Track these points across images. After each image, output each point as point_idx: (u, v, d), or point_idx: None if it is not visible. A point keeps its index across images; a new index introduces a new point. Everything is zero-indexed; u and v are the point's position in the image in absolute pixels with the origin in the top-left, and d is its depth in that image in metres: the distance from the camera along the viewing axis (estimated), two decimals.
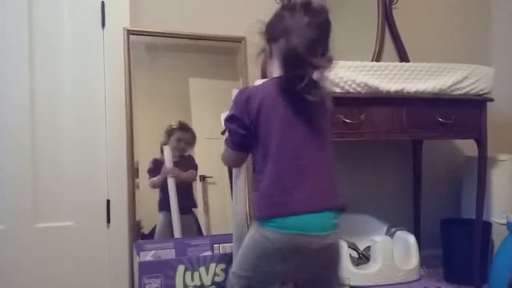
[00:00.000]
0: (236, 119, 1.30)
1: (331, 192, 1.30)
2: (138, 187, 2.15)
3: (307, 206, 1.23)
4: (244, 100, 1.28)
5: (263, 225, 1.25)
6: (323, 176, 1.28)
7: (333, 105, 1.34)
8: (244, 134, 1.30)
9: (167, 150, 2.19)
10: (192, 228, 2.21)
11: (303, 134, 1.27)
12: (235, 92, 1.39)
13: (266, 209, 1.26)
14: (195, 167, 2.27)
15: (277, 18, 1.32)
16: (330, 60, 1.28)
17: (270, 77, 1.39)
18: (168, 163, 2.18)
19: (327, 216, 1.26)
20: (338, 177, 1.32)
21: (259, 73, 2.26)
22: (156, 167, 2.20)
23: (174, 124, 2.26)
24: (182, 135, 2.24)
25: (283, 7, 1.35)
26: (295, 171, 1.24)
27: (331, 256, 1.30)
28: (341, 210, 1.32)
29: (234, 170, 1.69)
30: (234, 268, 1.36)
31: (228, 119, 1.33)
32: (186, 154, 2.27)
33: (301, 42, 1.22)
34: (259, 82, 1.52)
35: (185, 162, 2.25)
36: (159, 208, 2.21)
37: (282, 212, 1.22)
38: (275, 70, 1.33)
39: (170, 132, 2.23)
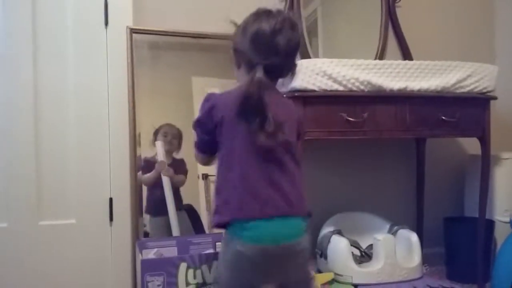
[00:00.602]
0: (200, 123, 1.36)
1: (298, 200, 1.30)
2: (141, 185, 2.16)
3: (273, 212, 1.25)
4: (208, 108, 1.32)
5: (233, 236, 1.27)
6: (288, 184, 1.28)
7: (301, 115, 1.47)
8: (208, 139, 1.35)
9: (159, 145, 2.20)
10: (184, 227, 2.20)
11: (263, 146, 1.27)
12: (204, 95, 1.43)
13: (226, 213, 1.28)
14: (185, 172, 2.26)
15: (251, 32, 1.34)
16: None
17: (237, 82, 1.43)
18: (161, 157, 2.19)
19: (295, 223, 1.28)
20: (311, 182, 1.37)
21: None
22: (148, 165, 2.19)
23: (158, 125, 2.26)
24: (167, 129, 2.24)
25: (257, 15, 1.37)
26: (257, 180, 1.26)
27: (303, 262, 1.32)
28: (307, 216, 1.33)
29: None
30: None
31: (195, 123, 1.38)
32: (177, 156, 2.26)
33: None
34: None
35: (176, 165, 2.24)
36: (146, 210, 2.18)
37: (239, 217, 1.25)
38: (244, 79, 1.34)
39: (155, 133, 2.22)
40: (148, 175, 2.19)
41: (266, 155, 1.27)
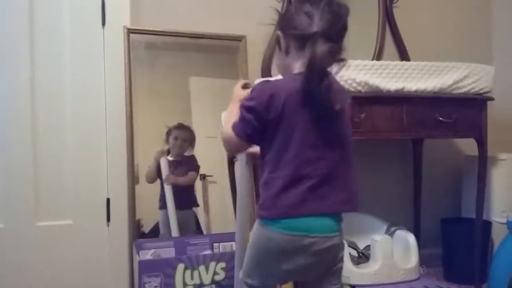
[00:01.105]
0: (256, 111, 1.23)
1: (347, 199, 1.25)
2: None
3: (316, 210, 1.20)
4: (268, 95, 1.20)
5: (267, 225, 1.23)
6: (340, 182, 1.24)
7: (350, 102, 1.33)
8: (259, 129, 1.24)
9: (163, 163, 2.21)
10: (190, 225, 2.21)
11: (324, 136, 1.22)
12: (257, 81, 1.35)
13: (274, 208, 1.21)
14: (196, 168, 2.27)
15: (299, 9, 1.25)
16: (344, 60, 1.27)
17: (283, 73, 1.34)
18: (166, 172, 2.20)
19: (333, 218, 1.24)
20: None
21: (259, 71, 2.27)
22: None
23: (171, 125, 2.26)
24: (178, 133, 2.24)
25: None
26: (311, 174, 1.20)
27: (337, 255, 1.28)
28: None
29: (237, 166, 1.67)
30: (241, 275, 1.34)
31: (247, 109, 1.25)
32: (188, 154, 2.27)
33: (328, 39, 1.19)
34: (278, 77, 1.44)
35: (187, 162, 2.25)
36: (160, 205, 2.21)
37: (291, 214, 1.19)
38: (295, 66, 1.26)
39: (168, 133, 2.23)
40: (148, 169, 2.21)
41: (323, 147, 1.21)
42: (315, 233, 1.20)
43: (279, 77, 1.37)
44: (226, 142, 1.34)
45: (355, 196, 1.28)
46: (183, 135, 2.25)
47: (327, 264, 1.26)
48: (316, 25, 1.20)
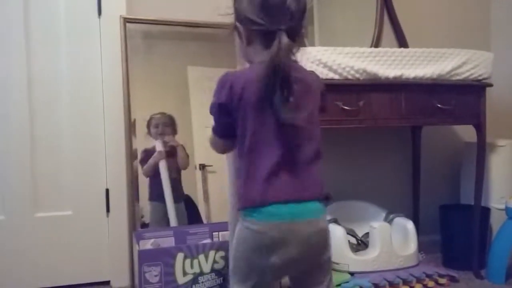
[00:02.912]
0: (219, 106, 1.23)
1: (313, 183, 1.23)
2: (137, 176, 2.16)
3: (288, 196, 1.18)
4: (227, 88, 1.20)
5: (247, 217, 1.21)
6: (305, 167, 1.22)
7: (322, 85, 1.29)
8: (228, 122, 1.23)
9: (158, 143, 2.21)
10: (182, 218, 2.20)
11: (280, 125, 1.18)
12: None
13: (247, 198, 1.21)
14: (186, 156, 2.27)
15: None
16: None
17: (247, 60, 1.31)
18: (160, 148, 2.20)
19: (310, 204, 1.21)
20: (329, 167, 1.31)
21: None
22: (148, 156, 2.20)
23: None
24: (158, 120, 2.22)
25: None
26: (273, 160, 1.18)
27: (321, 241, 1.24)
28: (326, 199, 1.26)
29: (228, 157, 1.67)
30: (231, 283, 1.30)
31: (211, 106, 1.25)
32: (175, 144, 2.25)
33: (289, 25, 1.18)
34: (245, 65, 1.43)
35: (175, 152, 2.24)
36: (149, 197, 2.19)
37: (265, 201, 1.17)
38: (257, 55, 1.24)
39: (148, 125, 2.21)
40: (146, 166, 2.19)
41: (287, 135, 1.19)
42: (295, 218, 1.18)
43: (247, 65, 1.33)
44: (212, 145, 1.38)
45: (317, 184, 1.24)
46: (162, 120, 2.23)
47: (315, 252, 1.23)
48: (277, 23, 1.17)
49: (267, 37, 1.19)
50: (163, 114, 2.24)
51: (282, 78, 1.13)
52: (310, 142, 1.25)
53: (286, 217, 1.17)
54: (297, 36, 1.23)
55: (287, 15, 1.18)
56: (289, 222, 1.17)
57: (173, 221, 2.15)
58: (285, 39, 1.15)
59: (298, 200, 1.19)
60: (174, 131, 2.26)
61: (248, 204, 1.20)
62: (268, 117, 1.18)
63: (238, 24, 1.27)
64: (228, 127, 1.24)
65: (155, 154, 2.19)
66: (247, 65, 1.33)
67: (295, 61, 1.24)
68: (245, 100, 1.19)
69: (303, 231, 1.19)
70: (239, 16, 1.26)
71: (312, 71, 1.34)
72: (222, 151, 1.45)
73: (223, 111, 1.22)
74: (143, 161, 2.18)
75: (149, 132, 2.22)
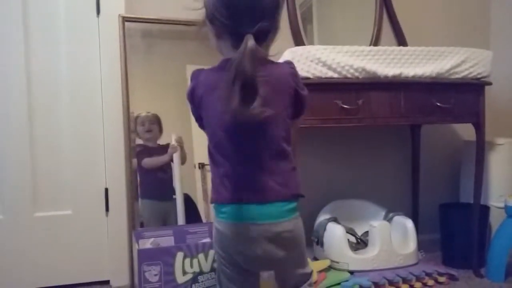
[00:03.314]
0: (189, 101, 1.27)
1: (278, 184, 1.20)
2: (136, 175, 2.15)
3: (251, 197, 1.18)
4: (192, 86, 1.24)
5: (216, 214, 1.24)
6: (272, 166, 1.20)
7: (296, 83, 1.24)
8: (196, 116, 1.28)
9: (172, 137, 2.23)
10: (172, 216, 2.20)
11: (242, 125, 1.16)
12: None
13: (215, 193, 1.23)
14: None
15: None
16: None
17: (220, 52, 1.28)
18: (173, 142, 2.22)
19: (276, 205, 1.19)
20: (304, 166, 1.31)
21: None
22: (145, 149, 2.20)
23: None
24: (144, 118, 2.21)
25: None
26: (239, 160, 1.19)
27: (288, 243, 1.23)
28: (296, 198, 1.24)
29: None
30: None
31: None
32: (163, 143, 2.25)
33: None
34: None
35: (164, 151, 2.23)
36: (141, 194, 2.18)
37: (226, 199, 1.20)
38: (227, 51, 1.22)
39: (135, 124, 2.19)
40: (150, 159, 2.20)
41: (249, 134, 1.18)
42: (256, 220, 1.18)
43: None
44: None
45: (289, 181, 1.22)
46: (148, 118, 2.22)
47: (281, 254, 1.22)
48: (246, 24, 1.14)
49: (234, 38, 1.17)
50: (148, 113, 2.23)
51: (245, 84, 1.09)
52: (273, 143, 1.21)
53: (241, 219, 1.19)
54: (270, 34, 1.20)
55: (256, 15, 1.15)
56: (245, 224, 1.18)
57: (181, 218, 2.15)
58: (251, 44, 1.11)
59: (258, 202, 1.18)
60: (160, 129, 2.25)
61: (213, 200, 1.24)
62: (228, 118, 1.14)
63: (207, 21, 1.24)
64: (197, 120, 1.29)
65: (170, 148, 2.20)
66: None
67: (266, 60, 1.21)
68: (205, 99, 1.21)
69: (262, 234, 1.18)
70: (207, 13, 1.23)
71: (289, 64, 1.28)
72: None
73: (191, 107, 1.27)
74: (141, 154, 2.18)
75: (135, 131, 2.20)
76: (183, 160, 2.25)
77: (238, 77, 1.09)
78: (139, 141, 2.19)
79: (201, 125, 1.29)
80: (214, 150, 1.22)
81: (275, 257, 1.21)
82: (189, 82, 1.28)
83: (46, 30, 2.09)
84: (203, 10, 1.25)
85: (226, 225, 1.21)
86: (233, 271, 1.26)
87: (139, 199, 2.17)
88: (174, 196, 2.21)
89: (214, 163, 1.23)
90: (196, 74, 1.26)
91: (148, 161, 2.19)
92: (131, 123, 2.13)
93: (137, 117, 2.20)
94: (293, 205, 1.22)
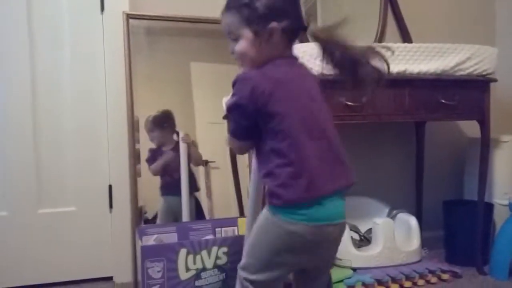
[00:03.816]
0: (240, 107, 1.19)
1: (348, 170, 1.29)
2: (140, 174, 2.16)
3: (330, 188, 1.18)
4: (250, 87, 1.17)
5: (284, 216, 1.16)
6: (338, 153, 1.25)
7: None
8: (248, 125, 1.20)
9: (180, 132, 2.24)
10: (192, 212, 2.22)
11: (318, 111, 1.22)
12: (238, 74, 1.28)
13: (289, 194, 1.15)
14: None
15: None
16: None
17: (258, 60, 1.25)
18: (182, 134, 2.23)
19: (340, 199, 1.23)
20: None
21: None
22: (154, 155, 2.21)
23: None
24: (151, 124, 2.23)
25: None
26: (316, 151, 1.18)
27: (339, 243, 1.27)
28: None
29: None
30: (243, 273, 1.25)
31: (231, 107, 1.22)
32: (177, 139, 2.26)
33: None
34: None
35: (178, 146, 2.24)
36: (161, 192, 2.22)
37: (308, 197, 1.15)
38: (275, 51, 1.24)
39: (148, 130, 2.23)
40: (155, 164, 2.22)
41: (319, 127, 1.21)
42: (333, 220, 1.19)
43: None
44: (231, 145, 1.34)
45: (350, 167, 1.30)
46: (156, 122, 2.23)
47: (334, 251, 1.28)
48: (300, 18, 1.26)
49: (292, 32, 1.26)
50: (155, 114, 2.24)
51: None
52: (334, 132, 1.29)
53: (329, 219, 1.18)
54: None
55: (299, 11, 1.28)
56: (330, 224, 1.18)
57: (185, 216, 2.16)
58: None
59: (336, 192, 1.21)
60: (169, 129, 2.26)
61: (291, 200, 1.17)
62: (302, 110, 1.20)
63: (253, 24, 1.23)
64: (247, 129, 1.22)
65: (183, 136, 2.21)
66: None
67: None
68: (279, 95, 1.18)
69: (335, 233, 1.22)
70: (257, 14, 1.22)
71: None
72: (242, 152, 1.45)
73: (243, 112, 1.19)
74: (150, 161, 2.20)
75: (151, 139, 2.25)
76: (197, 161, 2.26)
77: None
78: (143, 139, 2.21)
79: (251, 133, 1.22)
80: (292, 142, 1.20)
81: None
82: (240, 85, 1.22)
83: (50, 27, 2.10)
84: (242, 12, 1.24)
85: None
86: None
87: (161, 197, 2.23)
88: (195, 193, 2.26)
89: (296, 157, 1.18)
90: (252, 74, 1.22)
91: (154, 167, 2.21)
92: (134, 121, 2.14)
93: (146, 126, 2.22)
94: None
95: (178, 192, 2.20)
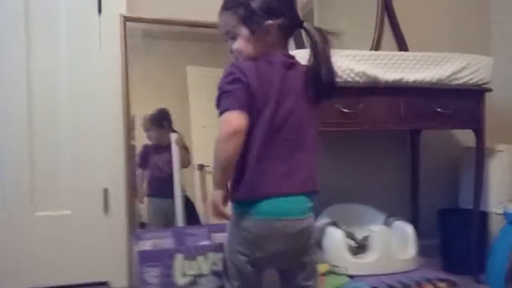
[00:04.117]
0: (239, 81, 1.20)
1: (311, 176, 1.29)
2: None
3: (284, 189, 1.22)
4: (252, 70, 1.21)
5: (239, 212, 1.24)
6: (304, 159, 1.26)
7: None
8: (247, 97, 1.19)
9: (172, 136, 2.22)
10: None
11: (296, 112, 1.25)
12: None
13: (243, 191, 1.22)
14: (186, 148, 2.27)
15: None
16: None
17: (254, 54, 1.28)
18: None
19: (302, 199, 1.25)
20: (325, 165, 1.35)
21: None
22: (144, 158, 2.21)
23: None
24: (147, 125, 2.22)
25: None
26: (277, 152, 1.22)
27: (306, 240, 1.28)
28: (315, 193, 1.31)
29: None
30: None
31: (230, 81, 1.21)
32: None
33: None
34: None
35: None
36: (148, 193, 2.20)
37: (258, 195, 1.20)
38: (271, 48, 1.28)
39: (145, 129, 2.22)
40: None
41: (290, 129, 1.24)
42: (285, 215, 1.22)
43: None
44: (225, 137, 1.20)
45: (316, 175, 1.30)
46: (150, 121, 2.22)
47: (299, 250, 1.27)
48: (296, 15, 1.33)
49: (288, 29, 1.31)
50: (153, 112, 2.23)
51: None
52: (313, 132, 1.33)
53: (277, 214, 1.21)
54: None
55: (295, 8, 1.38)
56: (280, 219, 1.22)
57: (180, 219, 2.14)
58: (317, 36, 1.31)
59: (294, 194, 1.24)
60: (166, 127, 2.24)
61: (243, 197, 1.24)
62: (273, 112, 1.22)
63: (245, 13, 1.27)
64: (246, 99, 1.19)
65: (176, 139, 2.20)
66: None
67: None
68: (261, 88, 1.21)
69: (292, 228, 1.23)
70: (251, 10, 1.27)
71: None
72: (236, 139, 1.20)
73: (242, 85, 1.20)
74: (142, 165, 2.19)
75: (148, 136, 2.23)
76: (185, 163, 2.24)
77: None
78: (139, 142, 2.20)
79: (248, 105, 1.21)
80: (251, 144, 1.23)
81: None
82: (233, 67, 1.24)
83: (48, 28, 2.09)
84: (238, 12, 1.28)
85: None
86: None
87: (145, 198, 2.19)
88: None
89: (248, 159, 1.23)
90: (247, 63, 1.26)
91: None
92: (130, 123, 2.13)
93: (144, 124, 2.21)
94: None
95: (166, 195, 2.18)
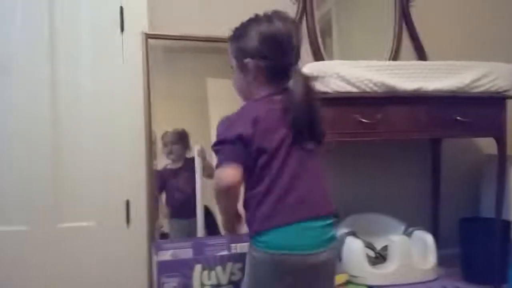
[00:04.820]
0: (231, 137, 1.23)
1: (323, 199, 1.28)
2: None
3: (297, 216, 1.20)
4: (251, 120, 1.23)
5: (253, 244, 1.26)
6: (315, 185, 1.27)
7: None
8: (243, 150, 1.22)
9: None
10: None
11: (299, 148, 1.26)
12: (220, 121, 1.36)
13: (257, 224, 1.24)
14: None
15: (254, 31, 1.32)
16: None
17: (247, 95, 1.37)
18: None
19: (320, 226, 1.22)
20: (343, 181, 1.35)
21: None
22: (162, 181, 2.25)
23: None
24: (166, 139, 2.25)
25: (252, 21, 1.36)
26: (287, 184, 1.21)
27: (325, 275, 1.27)
28: (334, 216, 1.30)
29: None
30: None
31: (222, 140, 1.26)
32: (189, 156, 2.27)
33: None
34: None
35: (188, 167, 2.25)
36: (168, 214, 2.24)
37: (270, 225, 1.20)
38: (261, 88, 1.32)
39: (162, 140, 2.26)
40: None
41: (298, 165, 1.25)
42: (298, 250, 1.20)
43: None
44: (220, 181, 1.25)
45: (329, 197, 1.30)
46: (170, 139, 2.26)
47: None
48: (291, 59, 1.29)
49: (278, 73, 1.30)
50: (174, 130, 2.27)
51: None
52: (317, 158, 1.33)
53: (290, 249, 1.19)
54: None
55: (295, 53, 1.32)
56: (294, 254, 1.20)
57: (200, 230, 2.17)
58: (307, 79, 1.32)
59: (308, 219, 1.23)
60: (184, 147, 2.28)
61: (256, 229, 1.26)
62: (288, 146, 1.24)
63: (240, 60, 1.34)
64: (241, 152, 1.23)
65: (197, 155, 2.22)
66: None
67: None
68: (263, 130, 1.23)
69: (306, 264, 1.21)
70: (248, 50, 1.32)
71: None
72: (232, 189, 1.26)
73: (239, 141, 1.23)
74: (161, 188, 2.23)
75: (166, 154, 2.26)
76: (210, 175, 2.26)
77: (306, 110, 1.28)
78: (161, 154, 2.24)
79: (245, 157, 1.24)
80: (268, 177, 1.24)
81: None
82: (236, 119, 1.29)
83: (71, 46, 2.14)
84: (232, 46, 1.39)
85: None
86: None
87: (167, 220, 2.22)
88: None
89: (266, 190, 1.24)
90: (247, 108, 1.32)
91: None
92: (152, 137, 2.18)
93: (163, 135, 2.24)
94: None
95: (187, 215, 2.20)
